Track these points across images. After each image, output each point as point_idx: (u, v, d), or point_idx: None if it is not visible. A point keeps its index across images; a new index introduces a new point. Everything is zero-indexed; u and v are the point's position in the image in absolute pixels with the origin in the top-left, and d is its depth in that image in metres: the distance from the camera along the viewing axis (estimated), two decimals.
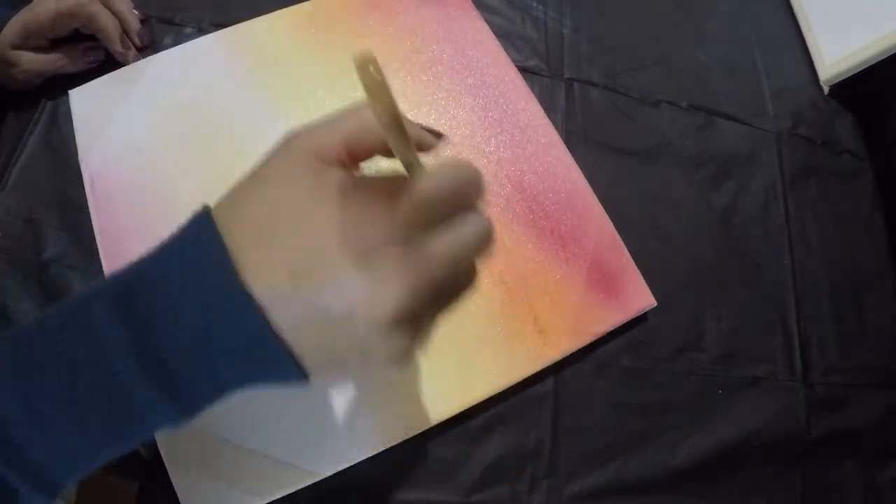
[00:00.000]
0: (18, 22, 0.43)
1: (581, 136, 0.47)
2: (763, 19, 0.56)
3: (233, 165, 0.43)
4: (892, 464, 0.43)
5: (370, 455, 0.37)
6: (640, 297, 0.41)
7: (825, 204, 0.49)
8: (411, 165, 0.23)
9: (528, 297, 0.40)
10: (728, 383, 0.42)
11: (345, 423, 0.37)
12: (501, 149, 0.45)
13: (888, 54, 0.48)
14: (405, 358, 0.24)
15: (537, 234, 0.42)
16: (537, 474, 0.39)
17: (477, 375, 0.39)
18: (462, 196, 0.23)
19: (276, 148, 0.24)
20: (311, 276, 0.22)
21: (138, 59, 0.47)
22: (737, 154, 0.49)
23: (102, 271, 0.41)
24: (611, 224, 0.43)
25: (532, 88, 0.47)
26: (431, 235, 0.23)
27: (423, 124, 0.25)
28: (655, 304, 0.41)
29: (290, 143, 0.24)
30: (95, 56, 0.46)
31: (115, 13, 0.46)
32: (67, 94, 0.46)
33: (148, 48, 0.48)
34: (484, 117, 0.46)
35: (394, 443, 0.37)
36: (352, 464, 0.37)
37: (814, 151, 0.51)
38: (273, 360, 0.22)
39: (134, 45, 0.47)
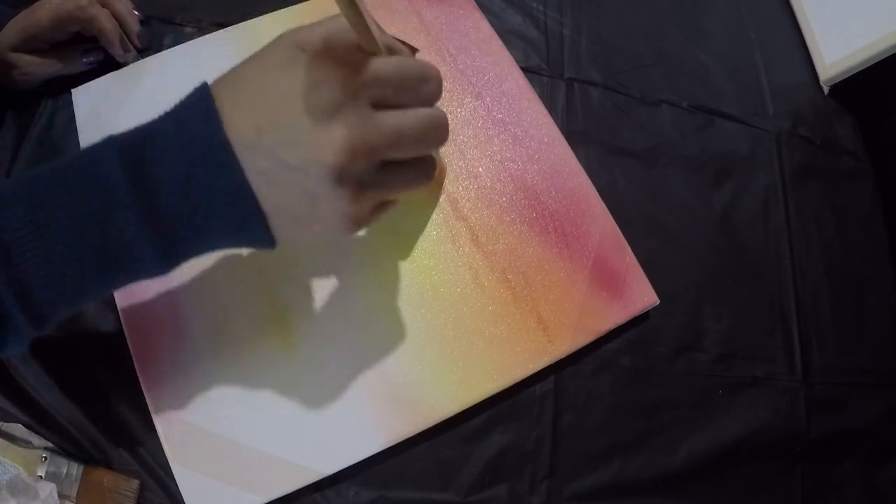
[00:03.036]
0: (18, 25, 0.43)
1: (581, 136, 0.47)
2: (763, 19, 0.56)
3: None
4: (892, 464, 0.43)
5: (372, 453, 0.37)
6: (643, 295, 0.41)
7: (825, 204, 0.49)
8: (374, 52, 0.28)
9: (532, 295, 0.41)
10: (728, 383, 0.42)
11: (347, 422, 0.38)
12: (505, 148, 0.45)
13: (888, 54, 0.48)
14: (352, 221, 0.28)
15: (540, 232, 0.42)
16: (537, 474, 0.39)
17: (480, 373, 0.39)
18: (416, 83, 0.29)
19: (269, 42, 0.29)
20: (273, 131, 0.26)
21: (139, 60, 0.47)
22: (737, 154, 0.49)
23: None
24: (613, 223, 0.43)
25: (532, 88, 0.47)
26: (381, 111, 0.27)
27: (399, 38, 0.29)
28: (658, 301, 0.41)
29: (279, 37, 0.28)
30: (95, 57, 0.46)
31: (114, 15, 0.46)
32: (67, 94, 0.46)
33: (148, 49, 0.48)
34: (487, 116, 0.46)
35: (396, 441, 0.37)
36: (353, 462, 0.37)
37: (814, 151, 0.51)
38: (239, 197, 0.26)
39: (134, 46, 0.47)
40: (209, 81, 0.28)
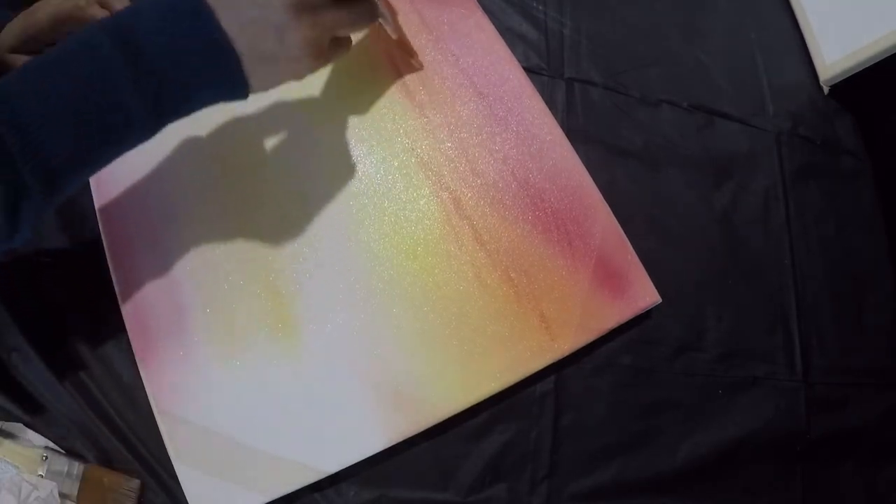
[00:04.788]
0: (17, 26, 0.43)
1: (581, 136, 0.47)
2: (763, 19, 0.56)
3: (237, 163, 0.43)
4: (892, 464, 0.43)
5: (375, 452, 0.37)
6: (645, 294, 0.41)
7: (825, 204, 0.49)
8: None
9: (535, 294, 0.41)
10: (728, 383, 0.42)
11: (350, 421, 0.38)
12: (507, 146, 0.45)
13: (888, 54, 0.48)
14: (312, 47, 0.33)
15: (543, 230, 0.42)
16: (537, 474, 0.39)
17: (484, 371, 0.39)
18: None
19: None
20: None
21: None
22: (737, 154, 0.50)
23: (102, 271, 0.41)
24: (615, 222, 0.43)
25: (534, 87, 0.47)
26: None
27: None
28: (660, 300, 0.41)
29: None
30: None
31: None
32: None
33: None
34: (490, 115, 0.46)
35: (399, 439, 0.37)
36: (356, 460, 0.37)
37: (814, 151, 0.51)
38: (215, 43, 0.30)
39: None
40: None
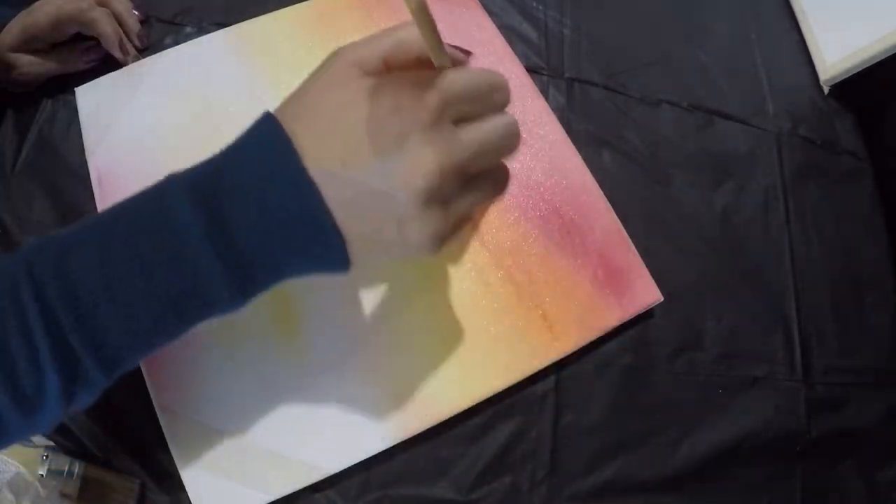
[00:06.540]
0: (18, 25, 0.43)
1: (581, 136, 0.47)
2: (763, 19, 0.56)
3: None
4: (892, 464, 0.43)
5: (378, 451, 0.37)
6: (646, 292, 0.41)
7: (825, 204, 0.49)
8: (442, 65, 0.27)
9: (537, 293, 0.41)
10: (728, 383, 0.42)
11: (353, 420, 0.38)
12: None
13: (888, 54, 0.48)
14: (437, 240, 0.27)
15: (545, 229, 0.42)
16: (537, 473, 0.39)
17: (486, 371, 0.39)
18: (488, 94, 0.28)
19: (323, 62, 0.28)
20: (357, 160, 0.26)
21: (139, 60, 0.47)
22: (737, 154, 0.50)
23: None
24: (617, 220, 0.43)
25: (535, 86, 0.47)
26: (461, 127, 0.27)
27: (452, 44, 0.29)
28: (662, 298, 0.41)
29: (336, 57, 0.28)
30: (95, 55, 0.46)
31: (114, 14, 0.46)
32: (68, 94, 0.46)
33: (148, 49, 0.49)
34: None
35: (402, 438, 0.37)
36: (360, 459, 0.37)
37: (814, 151, 0.51)
38: (321, 228, 0.26)
39: (134, 46, 0.47)
40: (270, 111, 0.28)
